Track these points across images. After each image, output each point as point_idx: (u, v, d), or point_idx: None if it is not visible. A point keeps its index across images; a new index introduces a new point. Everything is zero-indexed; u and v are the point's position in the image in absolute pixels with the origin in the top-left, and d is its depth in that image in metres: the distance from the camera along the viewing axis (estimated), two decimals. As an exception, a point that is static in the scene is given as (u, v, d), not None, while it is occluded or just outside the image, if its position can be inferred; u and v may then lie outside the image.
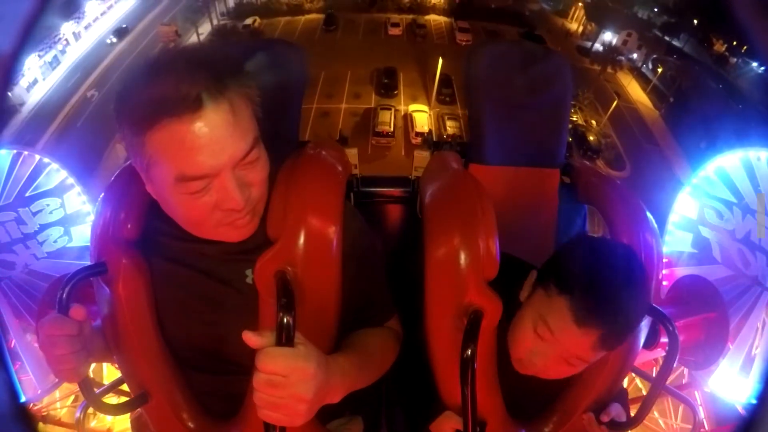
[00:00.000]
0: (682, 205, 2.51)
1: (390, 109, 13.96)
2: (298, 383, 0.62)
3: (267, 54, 1.13)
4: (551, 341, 0.82)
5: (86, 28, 16.04)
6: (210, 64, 0.68)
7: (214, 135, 0.66)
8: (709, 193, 2.42)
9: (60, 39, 15.01)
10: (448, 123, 13.70)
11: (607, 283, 0.78)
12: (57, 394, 3.09)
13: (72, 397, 3.24)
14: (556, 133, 1.34)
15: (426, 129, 13.42)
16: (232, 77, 0.69)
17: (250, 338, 0.62)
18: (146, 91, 0.65)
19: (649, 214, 1.03)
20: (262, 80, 1.07)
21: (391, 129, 13.44)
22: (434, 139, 12.95)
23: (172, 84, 0.64)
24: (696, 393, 2.64)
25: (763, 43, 0.42)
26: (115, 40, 15.86)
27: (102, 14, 16.67)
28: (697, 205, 2.46)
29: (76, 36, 15.65)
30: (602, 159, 13.62)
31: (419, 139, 13.17)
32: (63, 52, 15.11)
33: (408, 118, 13.88)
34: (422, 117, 13.80)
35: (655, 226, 1.03)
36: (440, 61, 14.38)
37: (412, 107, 14.22)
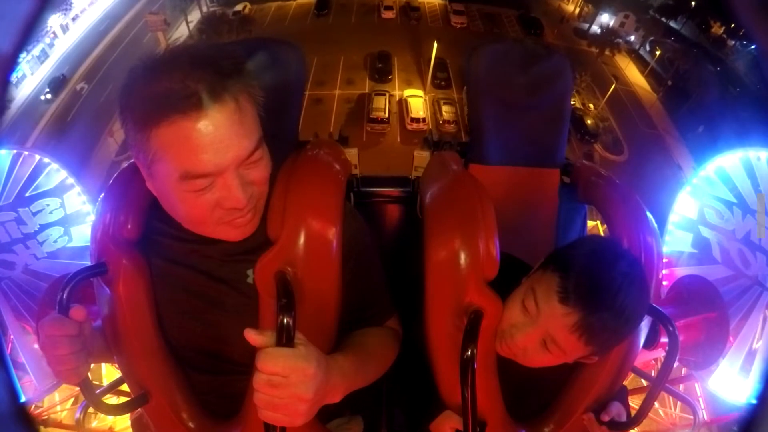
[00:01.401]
0: (682, 205, 2.51)
1: (384, 95, 13.60)
2: (298, 383, 0.62)
3: (266, 54, 1.13)
4: (534, 315, 0.83)
5: (74, 19, 15.47)
6: (217, 62, 0.68)
7: (220, 134, 0.66)
8: (709, 193, 2.42)
9: (47, 32, 14.45)
10: (444, 108, 13.39)
11: (601, 274, 0.78)
12: (57, 396, 3.08)
13: (71, 400, 3.24)
14: (556, 133, 1.34)
15: (421, 114, 13.13)
16: (238, 76, 0.69)
17: (251, 336, 0.62)
18: (153, 87, 0.65)
19: (649, 214, 1.03)
20: (262, 80, 1.08)
21: (386, 115, 13.13)
22: (433, 133, 12.79)
23: (179, 81, 0.64)
24: (696, 385, 2.63)
25: (763, 43, 0.42)
26: (50, 96, 13.56)
27: (90, 5, 16.08)
28: (697, 205, 2.46)
29: (64, 28, 15.08)
30: (600, 143, 13.45)
31: (414, 125, 12.90)
32: (51, 45, 14.60)
33: (403, 104, 13.56)
34: (417, 102, 13.50)
35: (655, 225, 1.03)
36: (435, 45, 14.09)
37: (407, 92, 13.89)
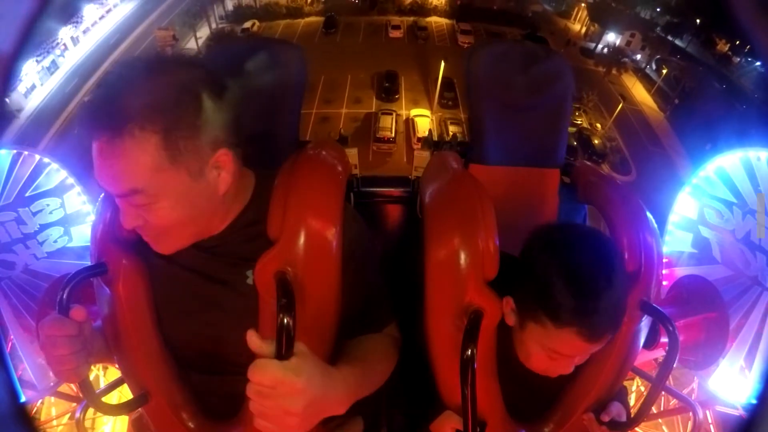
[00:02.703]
0: (682, 205, 2.51)
1: (391, 114, 13.55)
2: (285, 396, 0.62)
3: (265, 54, 1.13)
4: (567, 357, 0.84)
5: (84, 32, 15.63)
6: (132, 98, 0.67)
7: (102, 163, 0.69)
8: (709, 193, 2.42)
9: (58, 44, 14.66)
10: (451, 128, 13.32)
11: (599, 302, 0.77)
12: (54, 411, 3.07)
13: (67, 416, 3.22)
14: (556, 133, 1.33)
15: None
16: (144, 119, 0.67)
17: (252, 340, 0.62)
18: (87, 101, 0.70)
19: (649, 214, 1.03)
20: (262, 80, 1.07)
21: (393, 134, 13.08)
22: (434, 138, 12.82)
23: (100, 99, 0.68)
24: (708, 412, 2.62)
25: (763, 43, 0.42)
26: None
27: (101, 18, 16.28)
28: (697, 205, 2.46)
29: (74, 41, 15.22)
30: (607, 163, 13.39)
31: (421, 145, 12.73)
32: (61, 56, 14.78)
33: (410, 123, 13.51)
34: (424, 122, 13.43)
35: (655, 226, 1.03)
36: (442, 64, 14.06)
37: (414, 112, 13.83)
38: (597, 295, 0.76)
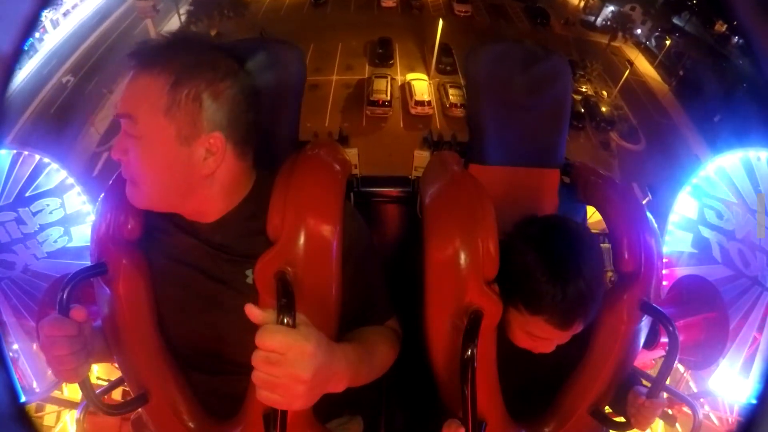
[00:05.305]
0: (682, 205, 2.51)
1: (386, 77, 12.57)
2: (295, 361, 0.61)
3: (266, 54, 1.13)
4: (545, 339, 0.91)
5: (65, 15, 15.24)
6: (169, 49, 0.78)
7: (124, 86, 0.77)
8: (709, 193, 2.42)
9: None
10: (451, 91, 12.21)
11: (567, 293, 0.82)
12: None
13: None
14: (556, 133, 1.33)
15: (426, 97, 12.06)
16: (165, 62, 0.75)
17: (252, 312, 0.61)
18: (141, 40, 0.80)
19: (649, 214, 1.03)
20: (261, 80, 1.08)
21: (388, 97, 12.05)
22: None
23: (145, 44, 0.78)
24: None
25: (763, 43, 0.42)
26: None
27: (81, 0, 16.10)
28: (697, 205, 2.46)
29: (54, 23, 14.88)
30: (616, 131, 13.02)
31: (419, 109, 11.80)
32: (40, 39, 14.40)
33: (406, 87, 12.50)
34: (422, 85, 12.45)
35: (655, 226, 1.03)
36: (440, 23, 13.18)
37: (411, 76, 12.86)
38: (566, 286, 0.81)
